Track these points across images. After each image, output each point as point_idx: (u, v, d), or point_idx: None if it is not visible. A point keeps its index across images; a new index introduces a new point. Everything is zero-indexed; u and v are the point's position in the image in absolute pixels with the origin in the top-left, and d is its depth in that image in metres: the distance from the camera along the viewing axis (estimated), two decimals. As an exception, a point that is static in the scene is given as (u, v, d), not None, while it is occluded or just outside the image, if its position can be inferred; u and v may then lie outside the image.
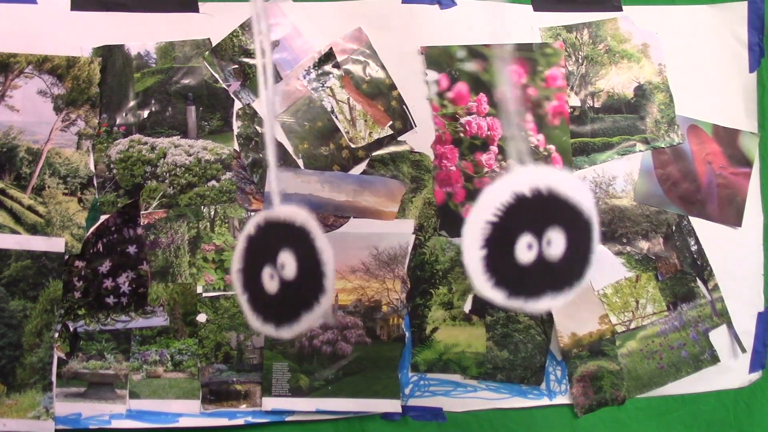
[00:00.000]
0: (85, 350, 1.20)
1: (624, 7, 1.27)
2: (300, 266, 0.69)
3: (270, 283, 0.71)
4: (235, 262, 0.75)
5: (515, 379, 1.28)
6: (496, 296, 0.67)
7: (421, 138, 1.23)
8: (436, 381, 1.27)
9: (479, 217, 0.66)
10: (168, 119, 1.19)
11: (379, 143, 1.22)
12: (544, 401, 1.29)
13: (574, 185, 0.69)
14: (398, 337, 1.25)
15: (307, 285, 0.69)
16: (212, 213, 1.20)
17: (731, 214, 1.32)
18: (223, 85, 1.19)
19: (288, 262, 0.69)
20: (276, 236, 0.71)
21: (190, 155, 1.19)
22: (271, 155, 0.73)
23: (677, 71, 1.29)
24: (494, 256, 0.66)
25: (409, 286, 1.25)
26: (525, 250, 0.66)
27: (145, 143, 1.19)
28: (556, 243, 0.67)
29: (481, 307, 1.27)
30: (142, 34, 1.18)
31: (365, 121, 1.21)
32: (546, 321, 1.28)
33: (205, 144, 1.20)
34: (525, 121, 1.22)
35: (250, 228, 0.74)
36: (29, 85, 1.15)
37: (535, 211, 0.67)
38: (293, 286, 0.69)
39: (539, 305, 0.69)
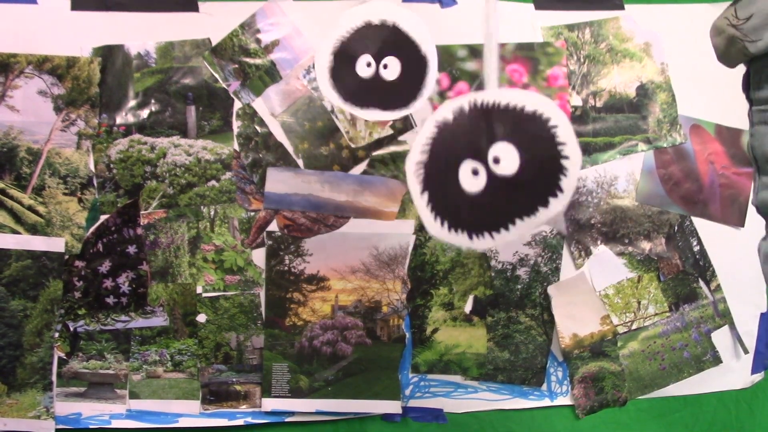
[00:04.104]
0: (85, 350, 1.20)
1: (626, 6, 1.27)
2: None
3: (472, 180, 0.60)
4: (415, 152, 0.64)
5: (516, 380, 1.28)
6: (336, 99, 0.83)
7: (422, 138, 1.22)
8: (437, 382, 1.27)
9: (333, 35, 0.84)
10: (168, 119, 1.19)
11: (379, 143, 1.22)
12: (545, 402, 1.29)
13: (417, 24, 0.83)
14: (398, 338, 1.25)
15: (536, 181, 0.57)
16: (212, 213, 1.20)
17: (734, 214, 1.31)
18: (223, 85, 1.19)
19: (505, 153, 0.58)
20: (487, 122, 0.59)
21: (189, 155, 1.19)
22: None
23: (679, 70, 1.28)
24: (337, 67, 0.82)
25: (409, 286, 1.24)
26: (364, 68, 0.82)
27: (145, 143, 1.18)
28: (392, 67, 0.82)
29: (482, 308, 1.26)
30: (142, 33, 1.17)
31: (365, 121, 1.21)
32: (547, 322, 1.27)
33: (205, 144, 1.19)
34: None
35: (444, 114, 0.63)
36: (29, 85, 1.15)
37: (377, 37, 0.81)
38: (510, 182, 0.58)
39: (367, 113, 0.85)
